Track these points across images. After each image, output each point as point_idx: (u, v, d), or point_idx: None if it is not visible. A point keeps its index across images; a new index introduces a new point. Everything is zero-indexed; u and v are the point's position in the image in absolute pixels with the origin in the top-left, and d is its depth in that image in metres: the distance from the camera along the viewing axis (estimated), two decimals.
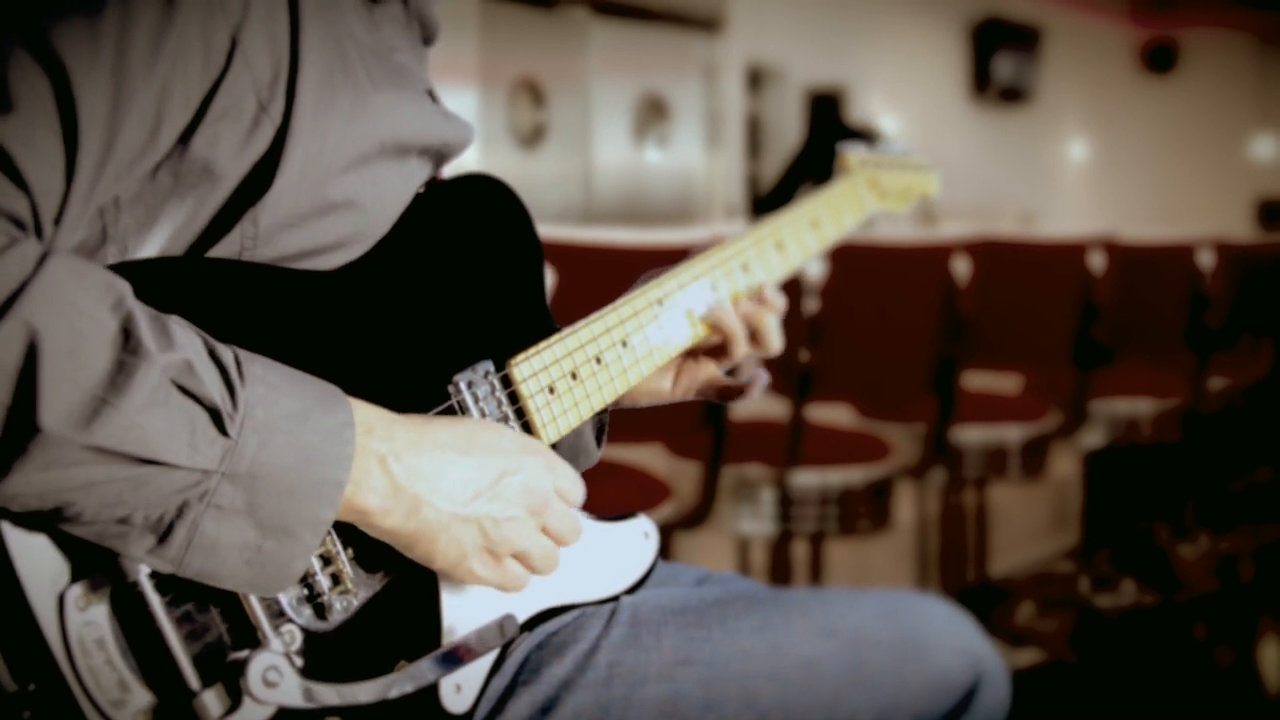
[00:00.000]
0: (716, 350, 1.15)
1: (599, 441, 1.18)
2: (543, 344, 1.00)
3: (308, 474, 0.77)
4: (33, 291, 0.69)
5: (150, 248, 0.84)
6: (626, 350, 1.05)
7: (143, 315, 0.73)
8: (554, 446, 1.12)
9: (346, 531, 0.86)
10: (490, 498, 0.87)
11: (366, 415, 0.82)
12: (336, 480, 0.79)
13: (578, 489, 0.95)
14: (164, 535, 0.74)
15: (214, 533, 0.75)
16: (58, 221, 0.76)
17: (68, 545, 0.75)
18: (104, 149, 0.77)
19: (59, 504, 0.71)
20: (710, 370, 1.17)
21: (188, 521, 0.74)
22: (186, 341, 0.75)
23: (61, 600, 0.74)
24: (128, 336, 0.72)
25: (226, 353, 0.77)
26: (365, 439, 0.81)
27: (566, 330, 1.02)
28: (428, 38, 1.05)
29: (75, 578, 0.74)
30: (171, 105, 0.80)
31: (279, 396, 0.77)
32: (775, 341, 1.14)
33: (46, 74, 0.74)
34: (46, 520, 0.72)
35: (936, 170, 1.37)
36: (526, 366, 0.99)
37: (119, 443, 0.70)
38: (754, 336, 1.14)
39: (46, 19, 0.75)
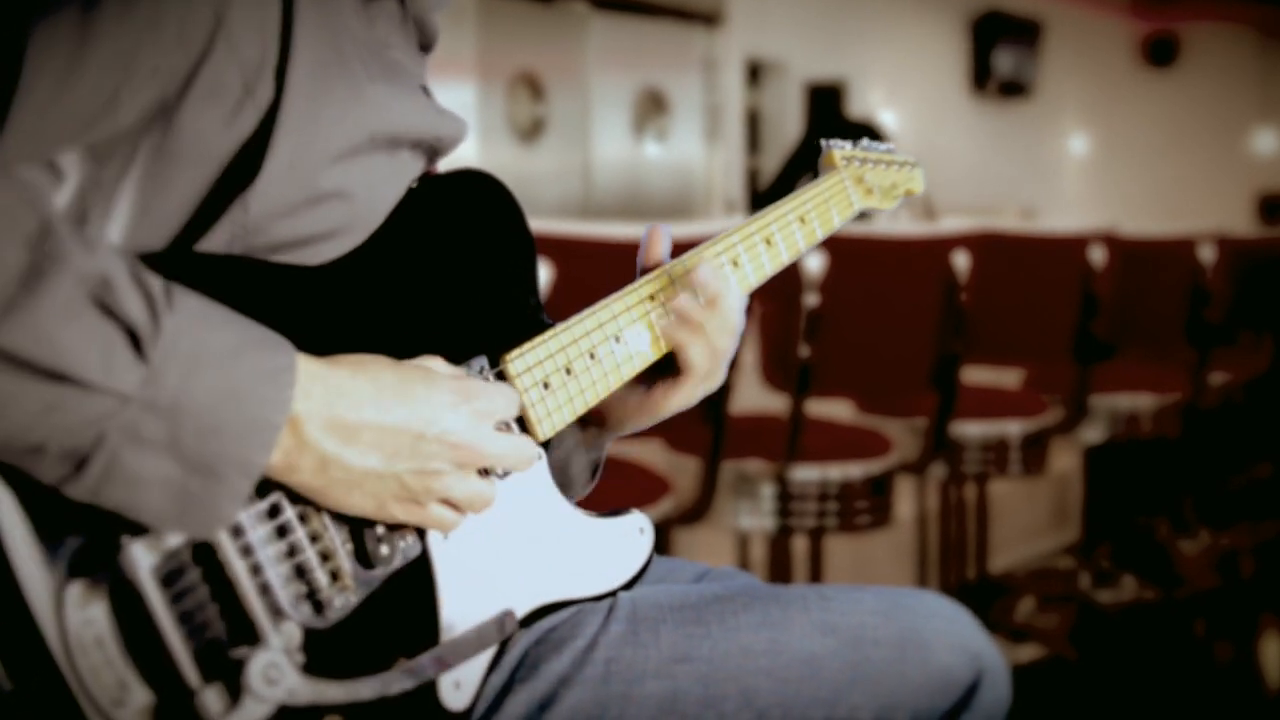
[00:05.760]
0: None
1: (594, 475, 1.16)
2: (537, 339, 1.00)
3: (237, 414, 0.76)
4: None
5: (135, 230, 0.83)
6: (620, 345, 1.05)
7: (64, 225, 0.73)
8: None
9: (346, 528, 0.86)
10: (410, 455, 0.85)
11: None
12: (271, 423, 0.77)
13: (510, 407, 0.92)
14: (80, 464, 0.72)
15: (134, 465, 0.73)
16: None
17: (67, 543, 0.74)
18: (50, 100, 0.76)
19: None
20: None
21: (106, 451, 0.72)
22: (109, 258, 0.74)
23: (60, 599, 0.73)
24: (44, 239, 0.71)
25: (154, 280, 0.75)
26: None
27: (560, 326, 1.02)
28: (426, 44, 1.04)
29: (74, 575, 0.74)
30: (136, 73, 0.79)
31: (210, 332, 0.76)
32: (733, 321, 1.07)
33: None
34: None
35: (922, 167, 1.36)
36: (521, 362, 0.98)
37: (28, 349, 0.69)
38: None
39: None
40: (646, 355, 1.06)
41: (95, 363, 0.71)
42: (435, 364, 0.91)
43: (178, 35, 0.80)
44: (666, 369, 1.09)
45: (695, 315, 1.05)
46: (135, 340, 0.73)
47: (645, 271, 1.09)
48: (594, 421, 1.13)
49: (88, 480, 0.73)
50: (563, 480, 1.12)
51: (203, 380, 0.74)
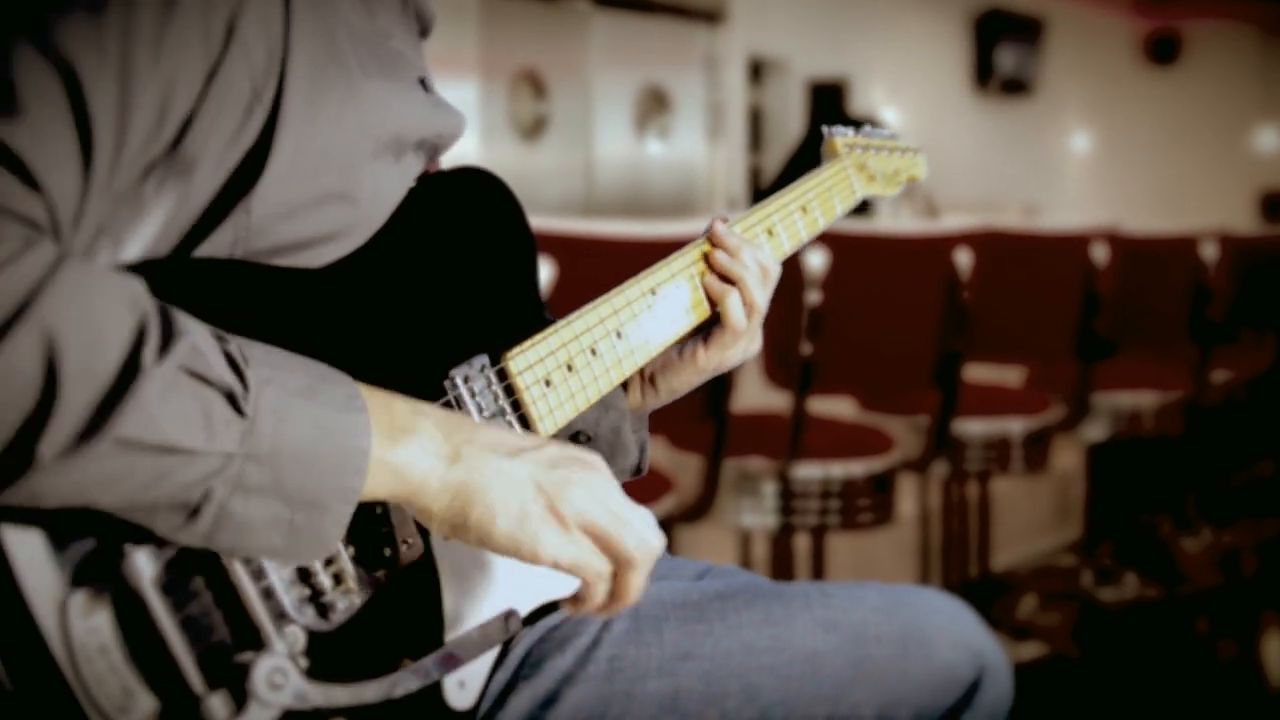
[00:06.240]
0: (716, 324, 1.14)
1: (642, 454, 1.17)
2: (538, 336, 1.00)
3: (328, 446, 0.77)
4: (51, 293, 0.69)
5: (144, 237, 0.83)
6: (621, 340, 1.05)
7: (154, 308, 0.74)
8: (589, 442, 1.12)
9: (348, 531, 0.85)
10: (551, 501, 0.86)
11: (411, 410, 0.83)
12: (359, 448, 0.78)
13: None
14: (191, 514, 0.74)
15: (242, 512, 0.75)
16: (77, 222, 0.76)
17: (70, 552, 0.74)
18: (116, 146, 0.77)
19: (84, 502, 0.71)
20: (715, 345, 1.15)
21: (215, 503, 0.74)
22: (194, 328, 0.75)
23: (64, 607, 0.73)
24: (143, 330, 0.72)
25: (229, 337, 0.77)
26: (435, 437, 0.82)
27: (561, 322, 1.02)
28: (424, 30, 1.04)
29: (77, 584, 0.74)
30: (176, 97, 0.79)
31: (285, 375, 0.77)
32: (759, 299, 1.12)
33: (56, 74, 0.74)
34: (70, 515, 0.72)
35: (924, 153, 1.36)
36: (522, 359, 0.98)
37: (136, 433, 0.70)
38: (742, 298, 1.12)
39: (50, 16, 0.75)
40: (658, 339, 1.08)
41: (199, 431, 0.73)
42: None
43: (204, 50, 0.80)
44: (702, 331, 1.13)
45: (731, 269, 1.10)
46: (231, 398, 0.74)
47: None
48: (637, 389, 1.15)
49: (201, 527, 0.74)
50: (615, 445, 1.13)
51: (293, 422, 0.76)
